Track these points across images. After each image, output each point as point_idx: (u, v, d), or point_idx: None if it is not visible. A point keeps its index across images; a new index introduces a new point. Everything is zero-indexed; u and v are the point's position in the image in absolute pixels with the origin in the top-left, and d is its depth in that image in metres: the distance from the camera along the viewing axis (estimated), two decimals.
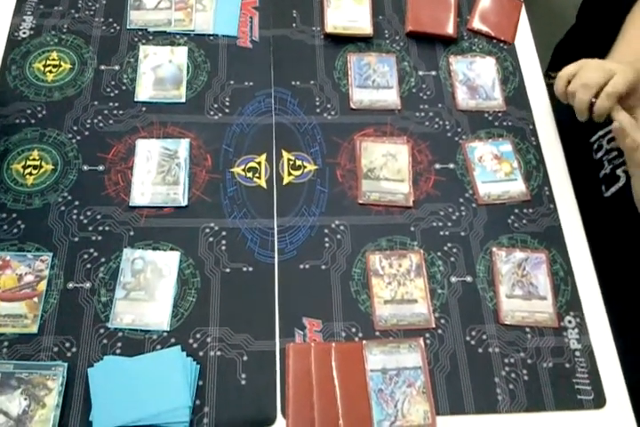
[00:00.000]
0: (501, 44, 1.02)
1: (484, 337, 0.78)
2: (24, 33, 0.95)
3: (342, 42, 1.00)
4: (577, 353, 0.78)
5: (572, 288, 0.82)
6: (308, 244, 0.83)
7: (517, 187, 0.89)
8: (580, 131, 0.99)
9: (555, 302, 0.80)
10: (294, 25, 1.01)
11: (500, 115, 0.96)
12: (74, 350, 0.73)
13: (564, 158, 0.93)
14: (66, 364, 0.71)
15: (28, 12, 0.97)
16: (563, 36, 1.28)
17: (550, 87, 1.00)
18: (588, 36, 1.19)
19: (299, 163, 0.89)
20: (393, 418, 0.71)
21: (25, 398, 0.69)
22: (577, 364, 0.77)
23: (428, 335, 0.77)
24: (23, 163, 0.85)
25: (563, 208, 0.88)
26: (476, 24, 1.04)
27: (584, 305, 0.81)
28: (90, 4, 0.99)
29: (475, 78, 0.99)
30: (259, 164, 0.88)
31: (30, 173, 0.84)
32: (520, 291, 0.81)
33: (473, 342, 0.78)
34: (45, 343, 0.73)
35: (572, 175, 0.91)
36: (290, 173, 0.88)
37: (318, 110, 0.93)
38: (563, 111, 0.99)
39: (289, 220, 0.84)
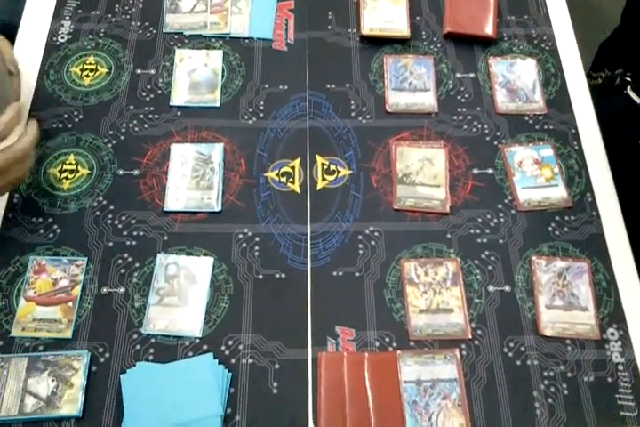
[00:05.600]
0: (543, 45, 0.99)
1: (523, 349, 0.76)
2: (62, 38, 0.96)
3: (378, 44, 0.98)
4: (620, 367, 0.75)
5: (615, 299, 0.79)
6: (341, 250, 0.81)
7: (559, 193, 0.86)
8: (624, 134, 0.96)
9: (597, 313, 0.78)
10: (330, 27, 1.00)
11: (540, 118, 0.93)
12: (107, 355, 0.73)
13: (608, 163, 0.90)
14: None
15: (67, 17, 0.98)
16: (607, 37, 1.24)
17: (593, 89, 0.97)
18: (633, 36, 1.15)
19: (333, 167, 0.88)
20: None
21: (52, 380, 0.71)
22: (620, 378, 0.74)
23: (464, 346, 0.75)
24: (60, 167, 0.86)
25: (606, 216, 0.85)
26: (452, 27, 0.99)
27: (628, 317, 0.78)
28: (127, 8, 1.00)
29: (515, 80, 0.96)
30: (292, 168, 0.87)
31: (66, 178, 0.85)
32: (560, 301, 0.78)
33: (511, 354, 0.75)
34: (79, 348, 0.73)
35: (617, 181, 0.88)
36: (324, 178, 0.87)
37: (353, 114, 0.92)
38: (606, 114, 0.95)
39: (322, 225, 0.83)
